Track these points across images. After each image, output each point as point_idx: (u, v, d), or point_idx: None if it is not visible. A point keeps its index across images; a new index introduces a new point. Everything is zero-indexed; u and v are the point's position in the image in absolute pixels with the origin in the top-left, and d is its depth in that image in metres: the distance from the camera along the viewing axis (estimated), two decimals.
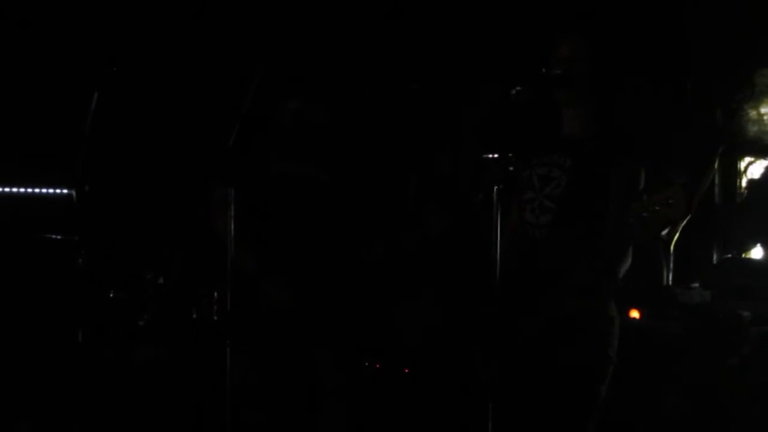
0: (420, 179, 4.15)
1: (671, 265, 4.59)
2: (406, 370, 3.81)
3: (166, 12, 4.10)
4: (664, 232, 2.25)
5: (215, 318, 2.77)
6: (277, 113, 2.98)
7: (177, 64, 4.19)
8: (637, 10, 4.21)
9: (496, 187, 2.28)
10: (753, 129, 4.94)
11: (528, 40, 3.58)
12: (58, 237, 4.30)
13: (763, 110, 4.90)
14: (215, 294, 2.74)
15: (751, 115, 4.93)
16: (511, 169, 2.31)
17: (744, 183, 5.08)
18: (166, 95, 4.21)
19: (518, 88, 2.43)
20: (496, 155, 2.31)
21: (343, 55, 3.54)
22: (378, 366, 3.81)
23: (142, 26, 4.20)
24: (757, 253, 4.70)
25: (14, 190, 4.53)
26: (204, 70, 4.15)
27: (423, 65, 4.41)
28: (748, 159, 5.09)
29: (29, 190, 4.54)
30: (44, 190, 4.59)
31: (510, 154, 2.31)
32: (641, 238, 2.34)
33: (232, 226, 2.62)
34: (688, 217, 2.20)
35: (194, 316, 3.74)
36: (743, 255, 4.68)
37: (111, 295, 3.92)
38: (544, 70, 2.61)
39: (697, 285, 3.92)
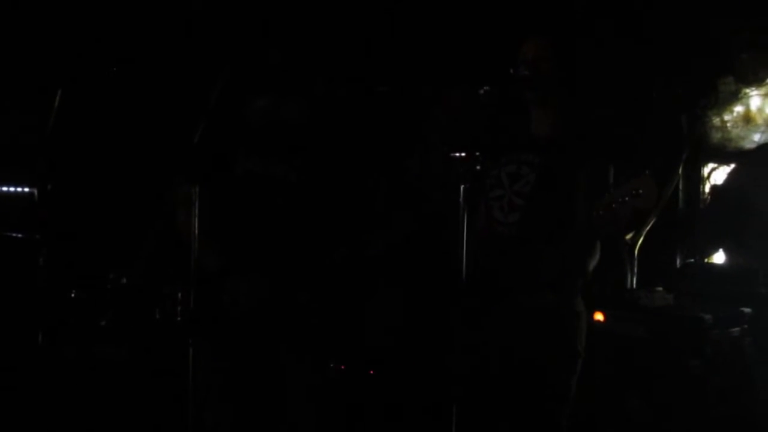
0: (389, 181, 4.15)
1: (635, 269, 4.64)
2: (371, 372, 3.80)
3: (131, 9, 4.06)
4: (631, 227, 2.26)
5: (179, 318, 2.73)
6: (244, 111, 2.95)
7: (142, 61, 4.14)
8: (600, 13, 4.25)
9: (462, 186, 2.28)
10: (716, 135, 5.01)
11: (495, 42, 3.59)
12: (19, 236, 4.23)
13: (726, 117, 4.97)
14: (179, 294, 2.70)
15: (714, 121, 5.00)
16: (478, 168, 2.32)
17: (707, 189, 5.15)
18: (130, 92, 4.16)
19: (485, 88, 2.44)
20: (462, 154, 2.31)
21: (313, 54, 3.52)
22: (343, 368, 3.80)
23: (106, 23, 4.15)
24: (719, 258, 4.76)
25: None
26: (169, 66, 4.11)
27: (391, 67, 4.41)
28: (711, 165, 5.17)
29: None
30: (5, 189, 4.51)
31: (477, 153, 2.32)
32: (610, 231, 2.34)
33: (196, 225, 2.59)
34: (657, 209, 2.21)
35: (157, 316, 3.71)
36: (706, 260, 4.74)
37: (72, 294, 3.87)
38: (511, 71, 2.62)
39: (660, 288, 3.95)
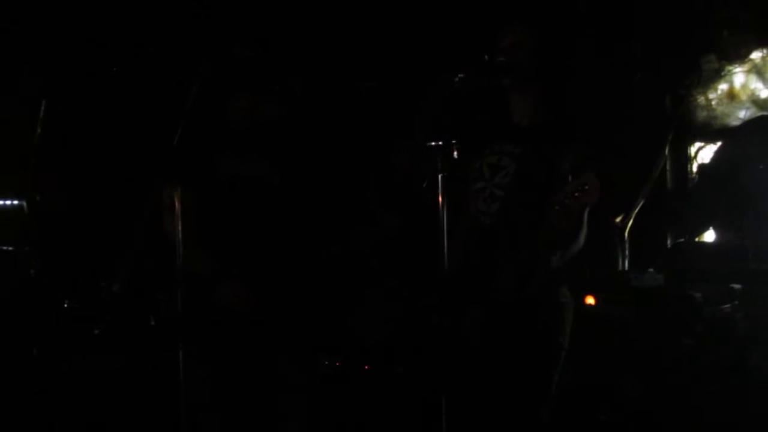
0: (378, 178, 4.15)
1: (626, 251, 4.66)
2: (366, 367, 3.80)
3: (110, 14, 4.05)
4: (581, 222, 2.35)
5: (168, 323, 2.73)
6: (225, 111, 2.94)
7: (122, 64, 4.13)
8: None
9: (440, 176, 2.28)
10: (702, 114, 5.02)
11: (473, 30, 3.59)
12: (10, 248, 4.22)
13: (710, 95, 4.98)
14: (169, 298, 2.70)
15: (699, 100, 5.01)
16: (456, 156, 2.32)
17: (695, 168, 5.16)
18: (110, 96, 4.15)
19: (461, 75, 2.43)
20: (439, 143, 2.31)
21: (295, 52, 3.52)
22: (338, 364, 3.80)
23: (87, 29, 4.15)
24: (709, 236, 4.78)
25: None
26: (149, 69, 4.10)
27: (374, 61, 4.41)
28: (698, 144, 5.18)
29: None
30: None
31: (453, 142, 2.32)
32: (565, 226, 2.39)
33: (180, 228, 2.58)
34: (598, 200, 2.30)
35: (152, 323, 3.70)
36: (696, 239, 4.75)
37: (65, 304, 3.86)
38: (486, 57, 2.61)
39: (651, 269, 3.97)
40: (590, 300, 3.67)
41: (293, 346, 2.98)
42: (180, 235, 2.59)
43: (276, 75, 3.08)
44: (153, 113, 3.73)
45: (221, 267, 2.84)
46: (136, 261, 2.56)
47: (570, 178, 2.39)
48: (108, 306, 3.67)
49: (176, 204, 2.59)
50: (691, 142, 5.17)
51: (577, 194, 2.30)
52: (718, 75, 4.92)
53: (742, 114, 4.90)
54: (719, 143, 5.01)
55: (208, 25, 3.85)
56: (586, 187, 2.29)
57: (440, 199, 2.29)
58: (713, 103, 4.98)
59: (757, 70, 4.79)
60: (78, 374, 3.83)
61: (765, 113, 4.78)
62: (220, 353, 2.87)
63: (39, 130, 4.07)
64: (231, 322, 2.83)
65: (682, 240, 4.76)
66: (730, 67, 4.89)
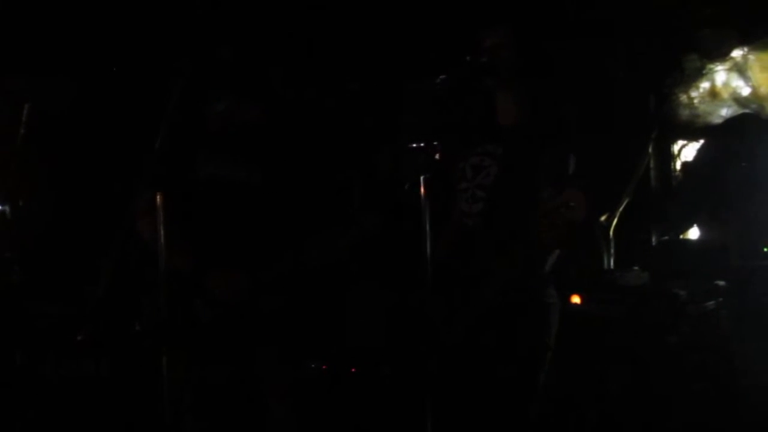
0: (360, 179, 4.14)
1: (612, 250, 4.67)
2: (353, 370, 3.79)
3: (90, 17, 4.02)
4: (566, 237, 2.36)
5: (152, 327, 2.71)
6: (203, 114, 2.92)
7: (102, 67, 4.11)
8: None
9: (422, 177, 2.27)
10: (684, 113, 5.04)
11: (456, 31, 3.59)
12: None
13: (693, 93, 5.01)
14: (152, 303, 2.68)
15: (681, 99, 5.03)
16: (437, 157, 2.31)
17: (678, 166, 5.18)
18: (93, 98, 4.13)
19: (442, 77, 2.42)
20: (422, 145, 2.30)
21: (277, 54, 3.50)
22: (324, 367, 3.78)
23: (68, 34, 4.12)
24: (693, 234, 4.80)
25: None
26: (129, 73, 4.08)
27: (356, 63, 4.40)
28: (681, 142, 5.20)
29: None
30: None
31: (435, 143, 2.31)
32: (549, 240, 2.39)
33: (162, 232, 2.56)
34: (586, 217, 2.30)
35: (137, 328, 3.67)
36: (680, 236, 4.77)
37: (47, 310, 3.83)
38: (468, 58, 2.61)
39: (636, 268, 3.98)
40: (576, 299, 3.67)
41: (279, 350, 2.97)
42: (162, 238, 2.57)
43: (257, 77, 3.06)
44: (135, 116, 3.71)
45: (204, 269, 2.82)
46: (120, 266, 2.54)
47: (556, 190, 2.38)
48: (91, 311, 3.64)
49: (157, 207, 2.57)
50: (674, 141, 5.20)
51: (563, 210, 2.29)
52: (700, 73, 4.94)
53: (724, 112, 4.93)
54: (702, 141, 5.03)
55: (190, 26, 3.83)
56: (572, 204, 2.29)
57: (423, 200, 2.28)
58: (695, 101, 5.00)
59: (739, 68, 4.82)
60: (61, 380, 3.80)
61: (747, 111, 4.81)
62: (205, 357, 2.85)
63: (21, 134, 4.04)
64: (215, 324, 2.82)
65: (667, 238, 4.78)
66: (712, 66, 4.91)
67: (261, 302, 2.85)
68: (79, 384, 3.74)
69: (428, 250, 2.28)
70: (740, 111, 4.84)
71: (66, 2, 4.05)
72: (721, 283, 3.75)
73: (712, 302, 3.63)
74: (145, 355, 3.46)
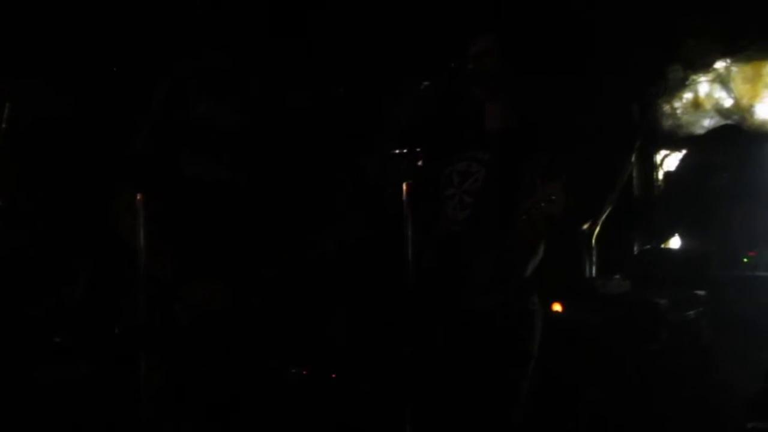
0: (351, 180, 4.12)
1: (594, 258, 4.69)
2: (334, 375, 3.77)
3: (75, 15, 3.99)
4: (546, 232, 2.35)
5: (131, 330, 2.69)
6: (188, 115, 2.90)
7: (85, 66, 4.08)
8: (546, 5, 4.26)
9: (405, 183, 2.26)
10: (667, 123, 5.08)
11: (442, 38, 3.59)
12: None
13: (676, 104, 5.05)
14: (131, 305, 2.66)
15: (665, 109, 5.07)
16: (420, 164, 2.30)
17: (661, 175, 5.22)
18: (75, 99, 4.09)
19: (426, 83, 2.42)
20: (404, 150, 2.29)
21: (262, 57, 3.49)
22: (305, 372, 3.76)
23: (49, 31, 4.09)
24: (674, 243, 4.82)
25: None
26: (112, 73, 4.05)
27: (342, 67, 4.39)
28: (663, 152, 5.24)
29: None
30: None
31: (418, 149, 2.30)
32: (530, 236, 2.38)
33: (143, 234, 2.54)
34: (567, 210, 2.29)
35: (116, 331, 3.64)
36: (662, 245, 4.80)
37: (25, 312, 3.79)
38: (453, 65, 2.60)
39: (617, 276, 3.99)
40: (557, 307, 3.68)
41: (259, 354, 2.95)
42: (142, 240, 2.55)
43: (242, 79, 3.05)
44: (116, 116, 3.68)
45: (185, 271, 2.80)
46: (98, 267, 2.53)
47: (538, 183, 2.38)
48: (69, 313, 3.61)
49: (138, 209, 2.55)
50: (657, 150, 5.23)
51: (543, 204, 2.28)
52: (683, 84, 4.99)
53: (707, 122, 4.97)
54: (684, 151, 5.07)
55: (176, 28, 3.82)
56: (553, 198, 2.27)
57: (405, 206, 2.27)
58: (678, 111, 5.04)
59: (721, 80, 4.86)
60: (39, 384, 3.76)
61: (729, 122, 4.85)
62: (184, 361, 2.83)
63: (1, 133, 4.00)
64: (193, 327, 2.80)
65: (649, 247, 4.80)
66: (695, 77, 4.95)
67: (239, 305, 2.84)
68: (57, 387, 3.70)
69: (410, 256, 2.27)
70: (722, 122, 4.88)
71: (49, 4, 4.02)
72: (702, 292, 3.77)
73: (692, 311, 3.65)
74: (124, 358, 3.43)
